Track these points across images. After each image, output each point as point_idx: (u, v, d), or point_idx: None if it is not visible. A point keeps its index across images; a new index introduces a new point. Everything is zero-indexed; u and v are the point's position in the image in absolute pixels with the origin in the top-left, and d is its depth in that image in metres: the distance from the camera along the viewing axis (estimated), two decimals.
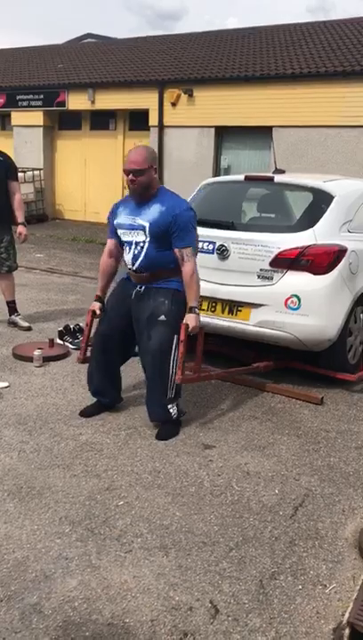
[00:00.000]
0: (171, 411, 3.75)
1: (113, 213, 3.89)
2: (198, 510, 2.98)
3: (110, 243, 3.98)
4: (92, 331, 4.07)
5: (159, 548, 2.69)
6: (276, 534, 2.83)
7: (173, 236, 3.64)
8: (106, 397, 4.03)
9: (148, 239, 3.67)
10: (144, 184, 3.62)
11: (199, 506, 3.02)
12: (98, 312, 3.99)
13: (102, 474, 3.28)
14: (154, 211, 3.64)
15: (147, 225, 3.65)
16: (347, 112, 11.48)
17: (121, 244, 3.88)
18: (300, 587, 2.49)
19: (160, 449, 3.60)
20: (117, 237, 3.88)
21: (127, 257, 3.81)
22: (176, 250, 3.66)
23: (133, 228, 3.72)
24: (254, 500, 3.11)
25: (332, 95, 11.69)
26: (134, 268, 3.78)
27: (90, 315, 4.04)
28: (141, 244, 3.70)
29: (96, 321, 4.03)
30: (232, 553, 2.68)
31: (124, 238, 3.81)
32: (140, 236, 3.69)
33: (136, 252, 3.72)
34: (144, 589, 2.42)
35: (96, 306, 4.00)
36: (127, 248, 3.79)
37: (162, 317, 3.68)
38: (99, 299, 4.03)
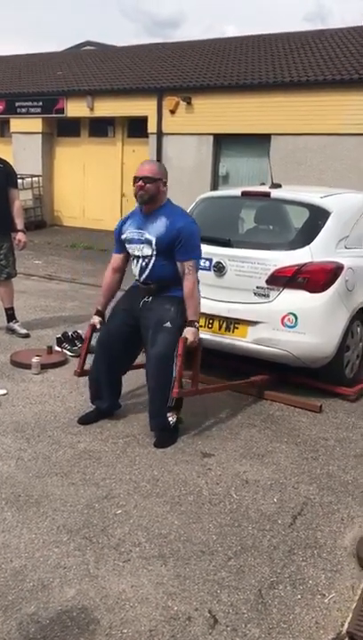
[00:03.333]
0: (169, 419, 3.75)
1: (119, 229, 3.96)
2: (197, 519, 2.97)
3: (116, 258, 4.04)
4: (92, 342, 4.08)
5: (158, 557, 2.67)
6: (275, 543, 2.82)
7: (176, 249, 3.69)
8: (105, 402, 4.02)
9: (154, 253, 3.74)
10: (152, 193, 3.71)
11: (198, 514, 3.01)
12: (98, 326, 4.04)
13: (100, 482, 3.27)
14: (160, 224, 3.71)
15: (153, 239, 3.72)
16: (346, 120, 11.52)
17: (128, 256, 3.96)
18: (299, 596, 2.48)
19: (159, 457, 3.59)
20: (124, 251, 3.95)
21: (135, 269, 3.89)
22: (178, 263, 3.72)
23: (140, 242, 3.79)
24: (252, 508, 3.10)
25: (331, 103, 11.73)
26: (141, 279, 3.85)
27: (90, 329, 4.07)
28: (148, 258, 3.77)
29: (96, 334, 4.07)
30: (231, 562, 2.67)
31: (132, 252, 3.88)
32: (146, 250, 3.76)
33: (143, 264, 3.80)
34: (142, 599, 2.41)
35: (96, 320, 4.05)
36: (135, 260, 3.87)
37: (167, 324, 3.71)
38: (99, 313, 4.06)
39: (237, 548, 2.76)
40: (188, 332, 3.68)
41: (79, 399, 4.33)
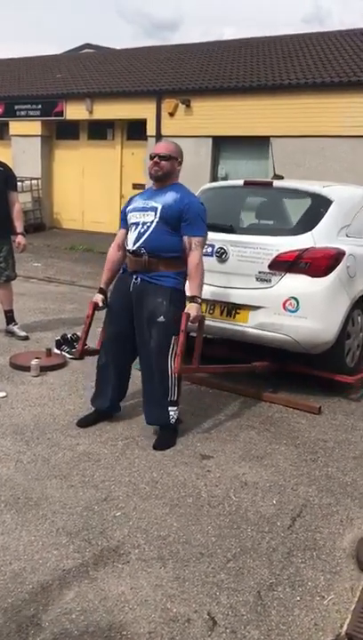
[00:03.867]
0: (170, 414, 3.74)
1: (128, 204, 3.99)
2: (196, 521, 2.98)
3: (122, 233, 4.02)
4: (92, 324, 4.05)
5: (157, 559, 2.68)
6: (273, 545, 2.82)
7: (183, 223, 3.72)
8: (106, 402, 4.00)
9: (156, 219, 3.73)
10: (166, 170, 3.79)
11: (197, 516, 3.01)
12: (100, 304, 4.00)
13: (100, 484, 3.27)
14: (169, 196, 3.76)
15: (159, 206, 3.74)
16: (344, 122, 11.55)
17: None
18: (298, 598, 2.48)
19: (158, 459, 3.59)
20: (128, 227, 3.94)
21: (131, 236, 3.83)
22: (185, 237, 3.73)
23: (144, 209, 3.80)
24: (251, 510, 3.10)
25: (329, 106, 11.76)
26: (135, 247, 3.78)
27: (92, 307, 4.02)
28: (149, 224, 3.75)
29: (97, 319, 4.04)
30: (230, 564, 2.67)
31: (132, 220, 3.85)
32: (149, 217, 3.76)
33: (142, 230, 3.76)
34: (142, 601, 2.41)
35: (99, 298, 4.01)
36: (133, 227, 3.83)
37: (161, 318, 3.69)
38: (101, 291, 4.05)
39: (236, 550, 2.76)
40: (191, 308, 3.66)
41: (78, 402, 4.34)
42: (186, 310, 3.66)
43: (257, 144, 12.61)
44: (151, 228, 3.74)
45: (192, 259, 3.72)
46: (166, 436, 3.79)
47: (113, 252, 4.06)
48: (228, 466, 3.56)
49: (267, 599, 2.46)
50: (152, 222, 3.74)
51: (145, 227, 3.76)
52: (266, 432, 4.07)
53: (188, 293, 3.75)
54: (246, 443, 3.89)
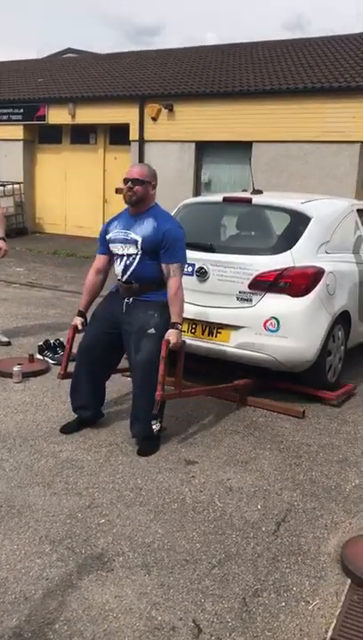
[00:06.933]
0: (153, 427, 3.72)
1: (105, 230, 3.94)
2: (181, 527, 2.96)
3: (100, 259, 4.01)
4: (74, 346, 4.05)
5: (141, 566, 2.65)
6: (258, 551, 2.81)
7: (162, 250, 3.70)
8: (88, 411, 4.00)
9: (139, 252, 3.73)
10: (140, 195, 3.73)
11: (181, 523, 3.00)
12: (80, 327, 3.99)
13: (83, 491, 3.24)
14: (147, 225, 3.72)
15: (140, 239, 3.72)
16: (326, 128, 11.64)
17: (111, 258, 3.94)
18: (283, 604, 2.48)
19: (142, 465, 3.57)
20: (108, 253, 3.93)
21: (118, 268, 3.85)
22: (164, 265, 3.71)
23: (125, 241, 3.77)
24: (236, 516, 3.09)
25: (311, 111, 11.84)
26: (124, 279, 3.81)
27: (72, 330, 4.02)
28: (133, 257, 3.75)
29: (78, 336, 4.02)
30: (215, 570, 2.66)
31: (115, 251, 3.85)
32: (131, 249, 3.75)
33: (127, 263, 3.77)
34: (126, 609, 2.39)
35: (78, 321, 4.00)
36: (118, 260, 3.84)
37: (151, 330, 3.69)
38: (81, 314, 4.02)
39: (221, 556, 2.75)
40: (170, 334, 3.66)
41: (61, 408, 4.30)
42: (166, 337, 3.66)
43: (240, 149, 12.65)
44: (136, 261, 3.75)
45: (172, 284, 3.70)
46: (150, 443, 3.77)
47: (92, 277, 4.04)
48: (212, 471, 3.55)
49: (252, 605, 2.45)
50: (136, 255, 3.74)
51: (130, 259, 3.76)
52: (250, 437, 4.07)
53: None
54: (231, 448, 3.88)
